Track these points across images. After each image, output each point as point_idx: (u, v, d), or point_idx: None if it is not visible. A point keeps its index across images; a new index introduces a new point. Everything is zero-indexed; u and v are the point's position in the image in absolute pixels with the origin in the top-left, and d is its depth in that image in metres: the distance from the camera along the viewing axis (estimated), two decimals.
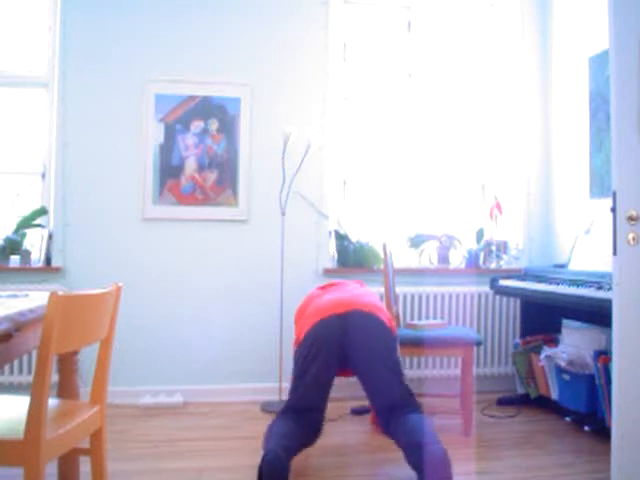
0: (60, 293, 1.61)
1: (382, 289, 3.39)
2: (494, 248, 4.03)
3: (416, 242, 4.05)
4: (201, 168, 3.76)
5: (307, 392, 2.58)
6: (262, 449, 2.38)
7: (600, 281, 2.95)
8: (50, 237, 3.65)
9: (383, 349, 2.64)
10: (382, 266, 3.73)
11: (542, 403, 3.50)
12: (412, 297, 3.84)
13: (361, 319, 2.67)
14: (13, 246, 3.57)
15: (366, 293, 2.89)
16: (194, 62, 3.77)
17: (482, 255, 4.04)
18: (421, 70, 4.15)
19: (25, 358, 3.45)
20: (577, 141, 3.76)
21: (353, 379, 3.73)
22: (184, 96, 3.74)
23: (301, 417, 2.54)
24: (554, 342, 3.42)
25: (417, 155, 4.17)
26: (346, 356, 2.65)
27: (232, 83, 3.79)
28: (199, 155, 3.76)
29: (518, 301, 3.85)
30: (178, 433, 3.09)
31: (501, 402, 3.63)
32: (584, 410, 3.04)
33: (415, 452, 2.28)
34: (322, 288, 3.10)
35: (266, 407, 3.53)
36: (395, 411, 2.54)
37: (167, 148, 3.73)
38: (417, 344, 3.06)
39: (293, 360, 2.71)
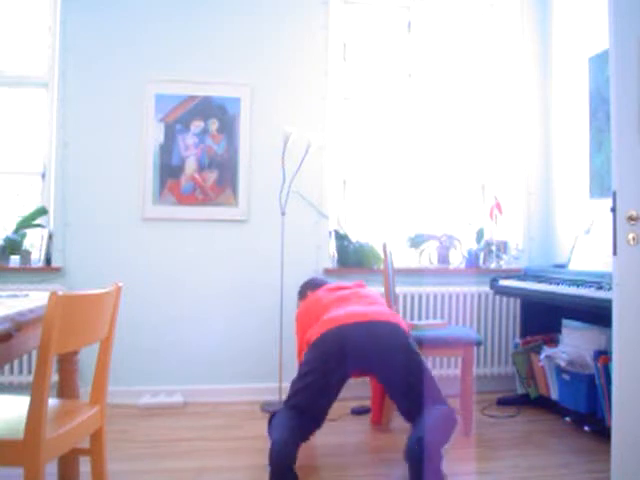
0: (60, 293, 1.61)
1: (382, 289, 3.39)
2: (494, 248, 4.03)
3: (416, 242, 4.05)
4: (201, 168, 3.76)
5: (317, 394, 2.55)
6: (269, 437, 2.46)
7: (600, 281, 2.95)
8: (50, 237, 3.65)
9: (400, 360, 2.61)
10: (382, 266, 3.72)
11: (542, 403, 3.50)
12: (412, 297, 3.84)
13: (383, 328, 2.66)
14: (13, 246, 3.57)
15: (382, 305, 2.91)
16: (194, 62, 3.77)
17: (482, 255, 4.04)
18: (421, 70, 4.15)
19: (25, 358, 3.45)
20: (577, 141, 3.76)
21: (352, 379, 3.74)
22: (184, 96, 3.74)
23: (306, 414, 2.53)
24: (554, 342, 3.41)
25: (417, 155, 4.17)
26: (363, 362, 2.62)
27: (232, 83, 3.79)
28: (199, 155, 3.76)
29: (518, 301, 3.84)
30: (178, 433, 3.09)
31: (501, 402, 3.63)
32: (584, 410, 3.04)
33: (414, 444, 2.28)
34: (330, 290, 3.07)
35: (266, 407, 3.53)
36: (419, 412, 2.52)
37: (167, 148, 3.73)
38: (417, 344, 3.05)
39: (305, 356, 2.66)
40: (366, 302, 2.88)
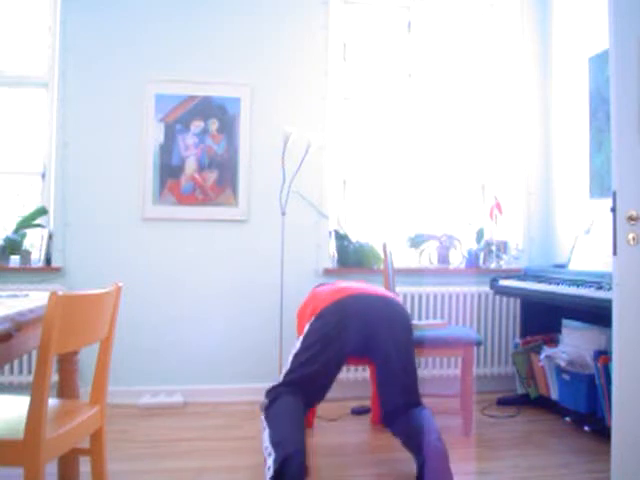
0: (60, 293, 1.61)
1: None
2: (494, 248, 4.03)
3: (416, 242, 4.05)
4: (201, 168, 3.76)
5: (317, 370, 2.54)
6: (267, 427, 2.33)
7: (600, 281, 2.95)
8: (50, 237, 3.65)
9: (403, 339, 2.63)
10: (382, 266, 3.72)
11: (542, 403, 3.50)
12: (412, 297, 3.84)
13: (384, 302, 2.70)
14: (13, 246, 3.57)
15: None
16: (194, 62, 3.77)
17: (482, 255, 4.04)
18: (421, 70, 4.15)
19: (25, 358, 3.45)
20: (577, 141, 3.76)
21: (352, 379, 3.74)
22: (184, 96, 3.74)
23: (306, 391, 2.51)
24: (554, 342, 3.41)
25: (417, 155, 4.17)
26: (362, 335, 2.62)
27: (232, 83, 3.79)
28: (199, 155, 3.76)
29: (518, 301, 3.84)
30: (178, 433, 3.09)
31: (501, 402, 3.63)
32: (584, 410, 3.04)
33: (415, 436, 2.28)
34: (330, 286, 3.07)
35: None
36: (401, 409, 2.54)
37: (167, 148, 3.73)
38: (417, 344, 3.05)
39: (307, 331, 2.65)
40: (364, 284, 2.95)
